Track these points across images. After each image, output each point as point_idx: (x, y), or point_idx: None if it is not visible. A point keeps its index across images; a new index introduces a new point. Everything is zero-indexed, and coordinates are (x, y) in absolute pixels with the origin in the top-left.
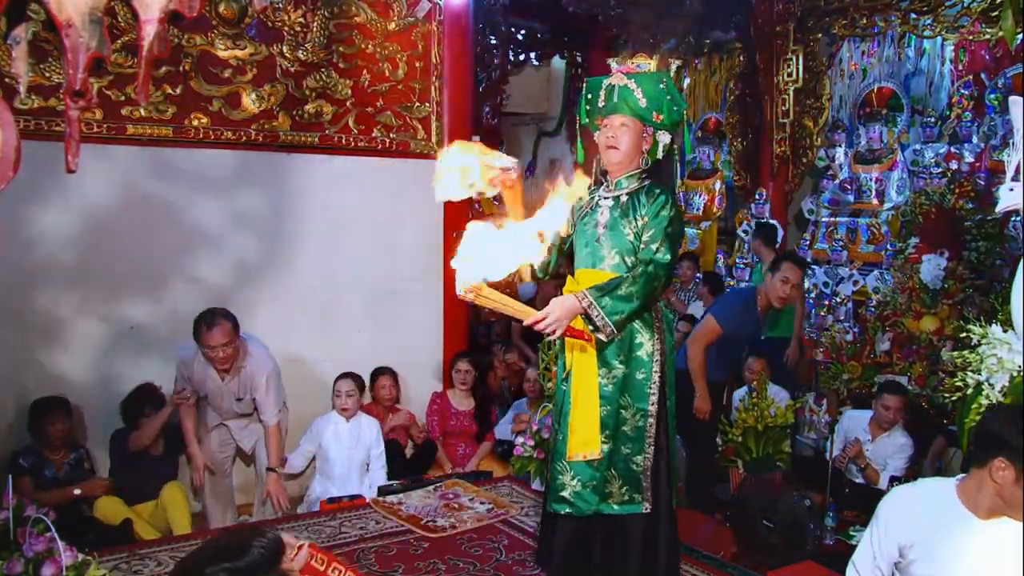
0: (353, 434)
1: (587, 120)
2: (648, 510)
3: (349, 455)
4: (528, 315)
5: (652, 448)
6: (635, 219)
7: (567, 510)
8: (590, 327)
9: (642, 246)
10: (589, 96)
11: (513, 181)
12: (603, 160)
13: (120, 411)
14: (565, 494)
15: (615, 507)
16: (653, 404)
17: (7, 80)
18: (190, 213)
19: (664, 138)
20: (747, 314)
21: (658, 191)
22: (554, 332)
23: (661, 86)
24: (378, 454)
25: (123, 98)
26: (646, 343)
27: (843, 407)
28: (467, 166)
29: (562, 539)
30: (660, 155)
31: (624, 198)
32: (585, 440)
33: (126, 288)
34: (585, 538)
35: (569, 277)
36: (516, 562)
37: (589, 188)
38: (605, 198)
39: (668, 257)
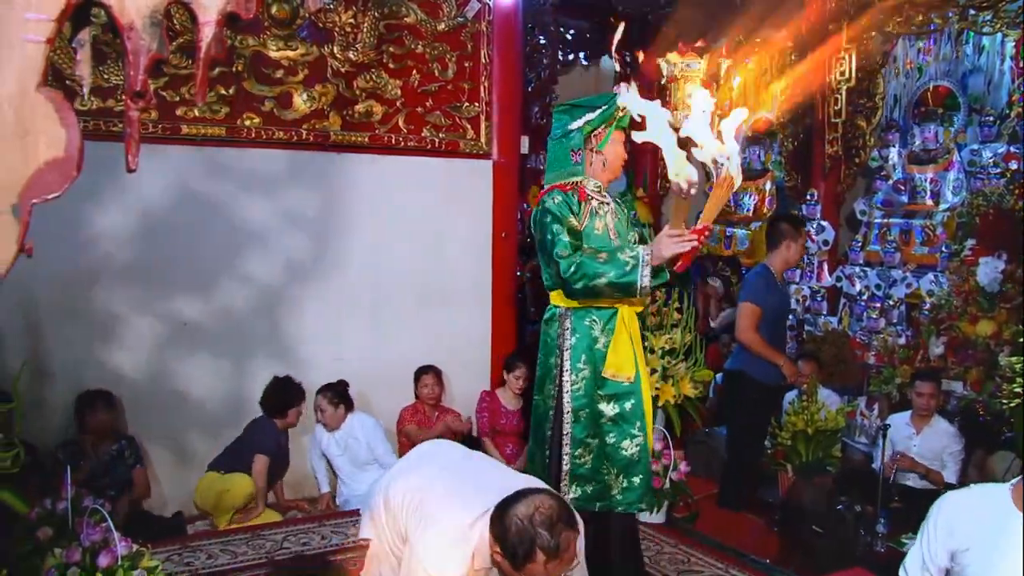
0: (341, 442)
1: (590, 129)
2: None
3: (350, 456)
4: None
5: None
6: (628, 221)
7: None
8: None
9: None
10: (607, 108)
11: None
12: (610, 170)
13: (264, 400)
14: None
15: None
16: None
17: (68, 82)
18: (241, 212)
19: None
20: (770, 286)
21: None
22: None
23: None
24: (383, 452)
25: (178, 99)
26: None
27: (895, 412)
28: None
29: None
30: None
31: (615, 203)
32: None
33: (179, 286)
34: None
35: None
36: None
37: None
38: (607, 203)
39: None
